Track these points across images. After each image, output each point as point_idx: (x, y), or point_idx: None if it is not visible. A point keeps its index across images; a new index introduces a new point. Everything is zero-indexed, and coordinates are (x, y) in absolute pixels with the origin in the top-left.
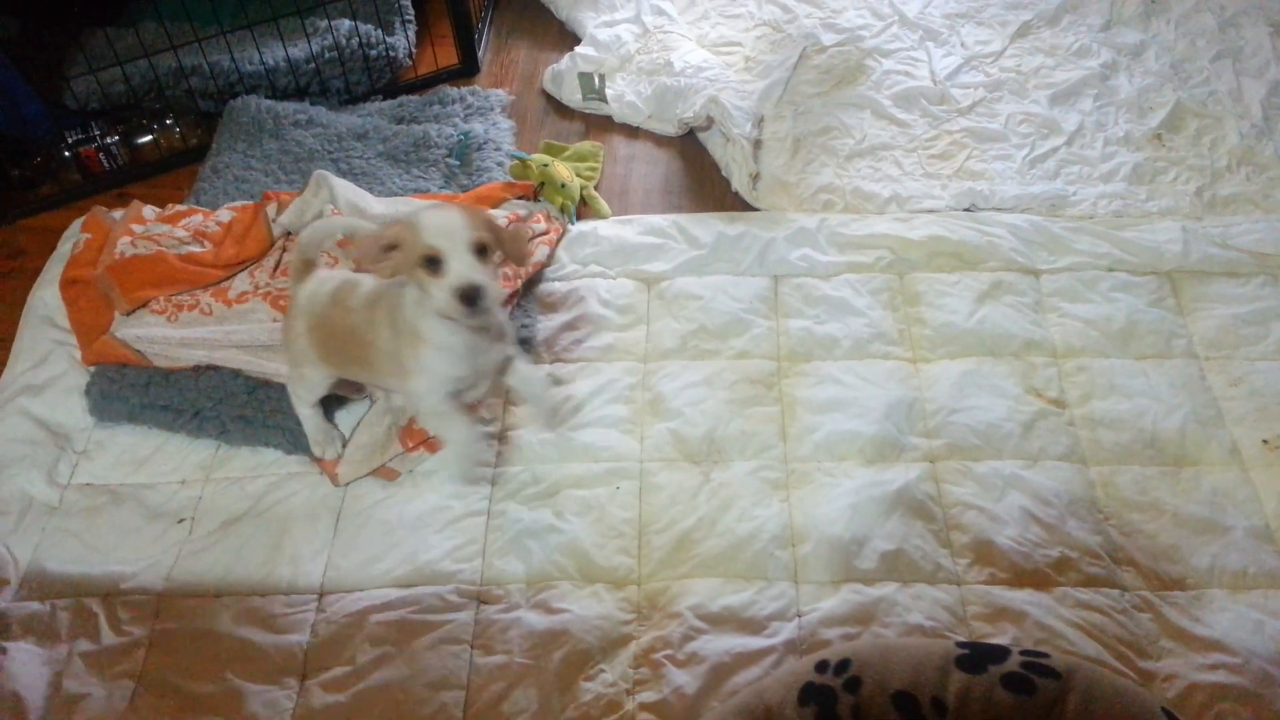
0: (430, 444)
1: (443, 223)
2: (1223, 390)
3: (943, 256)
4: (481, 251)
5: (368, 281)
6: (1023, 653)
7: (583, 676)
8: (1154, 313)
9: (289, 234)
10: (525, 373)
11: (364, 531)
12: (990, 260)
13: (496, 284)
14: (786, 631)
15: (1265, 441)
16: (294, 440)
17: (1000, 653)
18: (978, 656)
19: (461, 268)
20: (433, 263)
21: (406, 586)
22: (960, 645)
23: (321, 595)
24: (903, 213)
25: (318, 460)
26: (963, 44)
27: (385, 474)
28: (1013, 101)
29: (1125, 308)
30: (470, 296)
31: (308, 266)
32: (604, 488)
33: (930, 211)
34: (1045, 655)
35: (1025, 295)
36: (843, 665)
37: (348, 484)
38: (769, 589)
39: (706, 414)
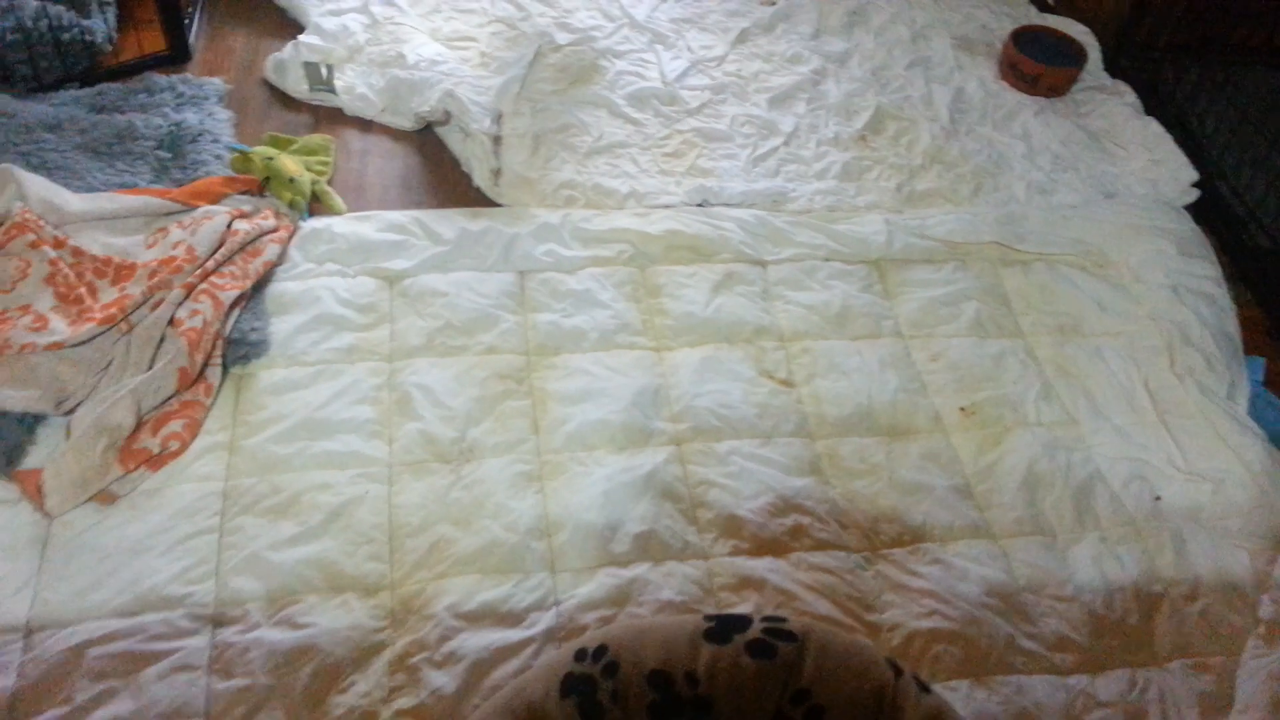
0: (153, 461)
1: None
2: (925, 365)
3: (680, 250)
4: None
5: None
6: (764, 619)
7: (334, 690)
8: (865, 297)
9: None
10: None
11: (76, 560)
12: (723, 252)
13: None
14: (545, 621)
15: (962, 409)
16: None
17: (743, 622)
18: (723, 627)
19: None
20: None
21: (129, 616)
22: (707, 619)
23: (28, 633)
24: (641, 208)
25: (20, 488)
26: (689, 48)
27: (103, 499)
28: (736, 104)
29: (840, 294)
30: None
31: None
32: (351, 494)
33: (666, 207)
34: (783, 620)
35: (754, 285)
36: (600, 651)
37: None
38: (526, 581)
39: (457, 412)
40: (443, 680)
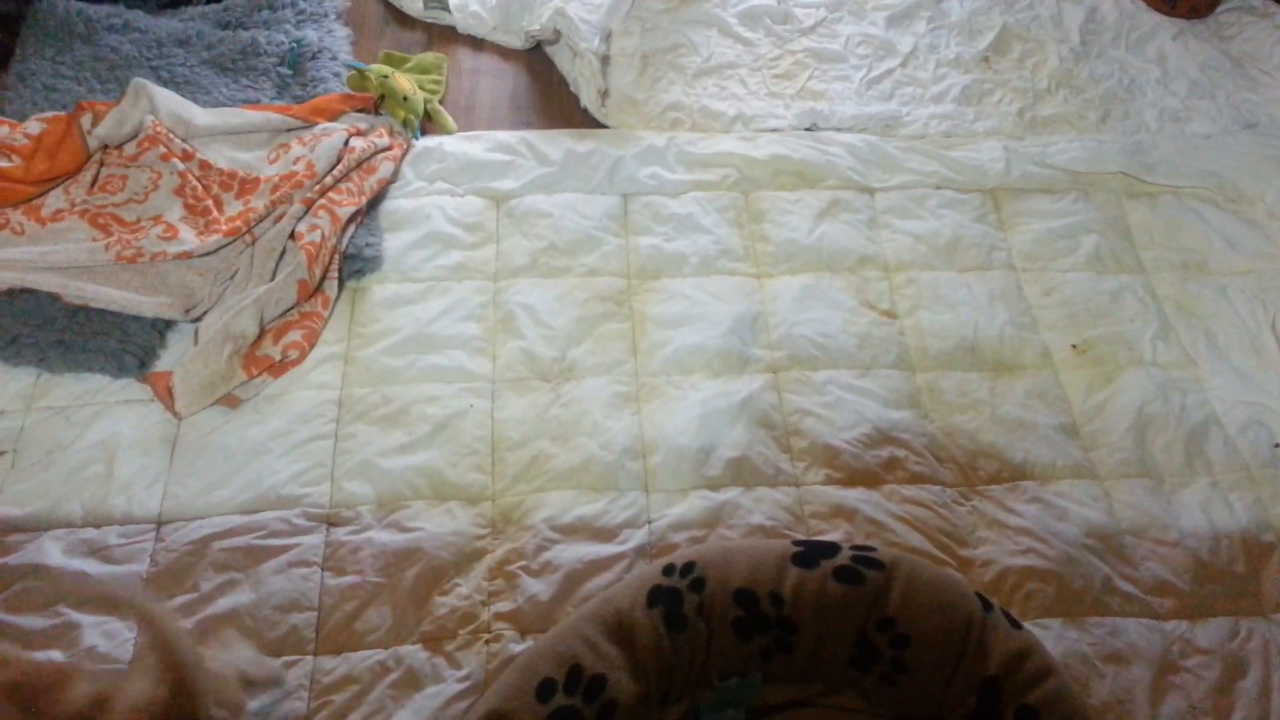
0: (275, 369)
1: None
2: (1037, 300)
3: (785, 175)
4: None
5: None
6: (852, 547)
7: (437, 591)
8: (977, 228)
9: (106, 147)
10: None
11: (202, 458)
12: (829, 178)
13: None
14: (637, 538)
15: (1074, 346)
16: (119, 365)
17: (832, 548)
18: (811, 553)
19: None
20: None
21: (250, 513)
22: (796, 544)
23: (159, 525)
24: (748, 131)
25: (152, 389)
26: None
27: (228, 402)
28: (852, 22)
29: (951, 223)
30: None
31: None
32: (456, 407)
33: (773, 130)
34: (872, 549)
35: (861, 212)
36: (688, 567)
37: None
38: (620, 498)
39: (558, 332)
40: (538, 588)
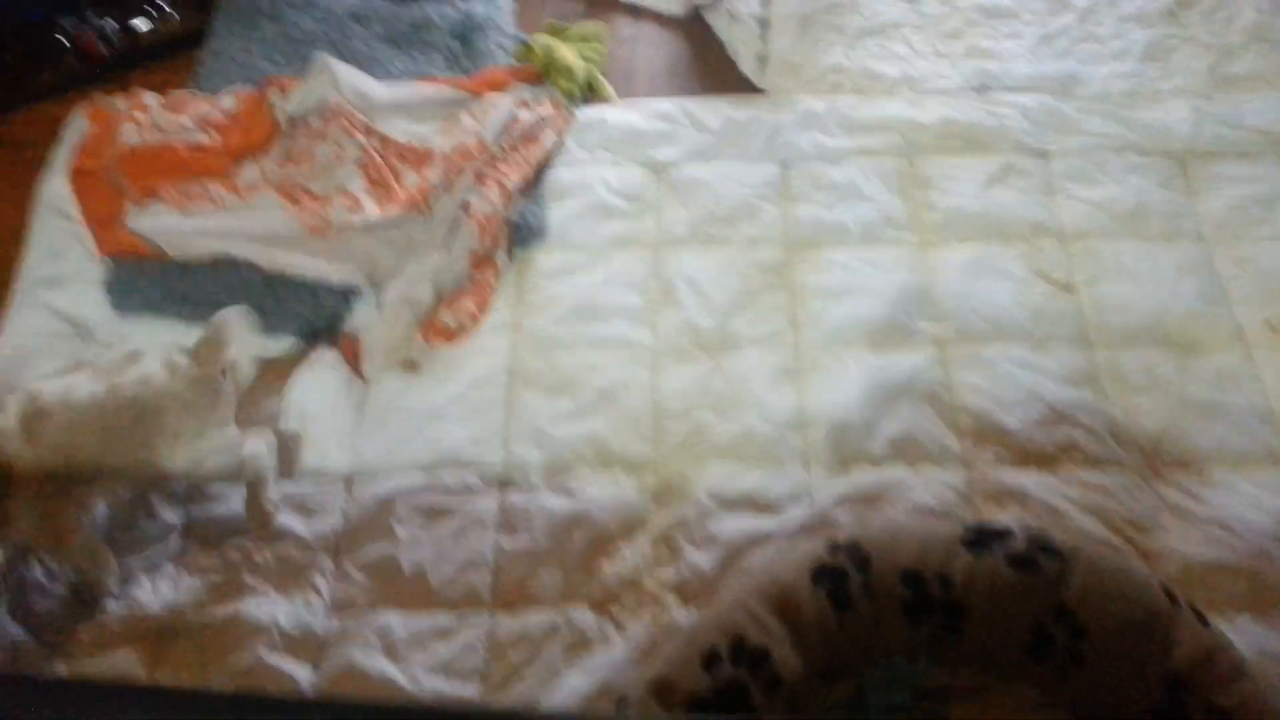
0: (450, 336)
1: None
2: (1229, 272)
3: (952, 139)
4: None
5: None
6: (1027, 532)
7: (603, 557)
8: (1163, 194)
9: (294, 121)
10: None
11: (386, 419)
12: (1000, 143)
13: None
14: (799, 513)
15: (1269, 324)
16: (311, 330)
17: (1005, 533)
18: (983, 536)
19: None
20: None
21: (431, 471)
22: (966, 526)
23: (350, 480)
24: (913, 94)
25: (342, 355)
26: None
27: (407, 366)
28: None
29: (1134, 189)
30: None
31: None
32: (619, 376)
33: (941, 92)
34: (1048, 535)
35: (1034, 177)
36: (853, 545)
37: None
38: (781, 472)
39: (718, 302)
40: (700, 558)
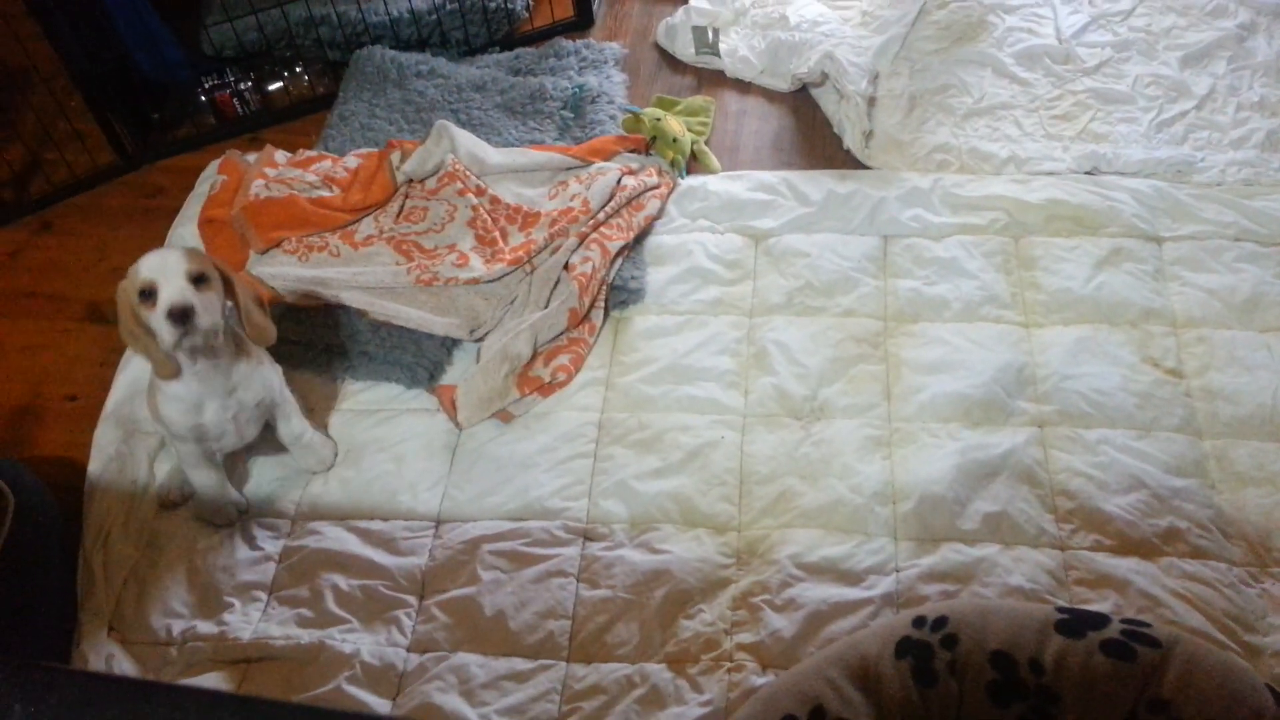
0: (544, 389)
1: (156, 259)
2: None
3: (1061, 220)
4: (198, 281)
5: None
6: (1124, 621)
7: (683, 614)
8: (1279, 285)
9: (411, 181)
10: (307, 440)
11: (477, 466)
12: (1111, 225)
13: (213, 314)
14: (884, 585)
15: None
16: (412, 377)
17: (1101, 619)
18: (1078, 622)
19: (172, 292)
20: (148, 295)
21: (517, 520)
22: (1060, 610)
23: (438, 524)
24: (1020, 174)
25: (438, 400)
26: (1090, 1)
27: (502, 416)
28: (1141, 62)
29: (1251, 278)
30: (179, 316)
31: None
32: (708, 437)
33: (1049, 174)
34: (1147, 625)
35: (1146, 263)
36: (940, 622)
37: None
38: (868, 543)
39: (810, 370)
40: (781, 623)
